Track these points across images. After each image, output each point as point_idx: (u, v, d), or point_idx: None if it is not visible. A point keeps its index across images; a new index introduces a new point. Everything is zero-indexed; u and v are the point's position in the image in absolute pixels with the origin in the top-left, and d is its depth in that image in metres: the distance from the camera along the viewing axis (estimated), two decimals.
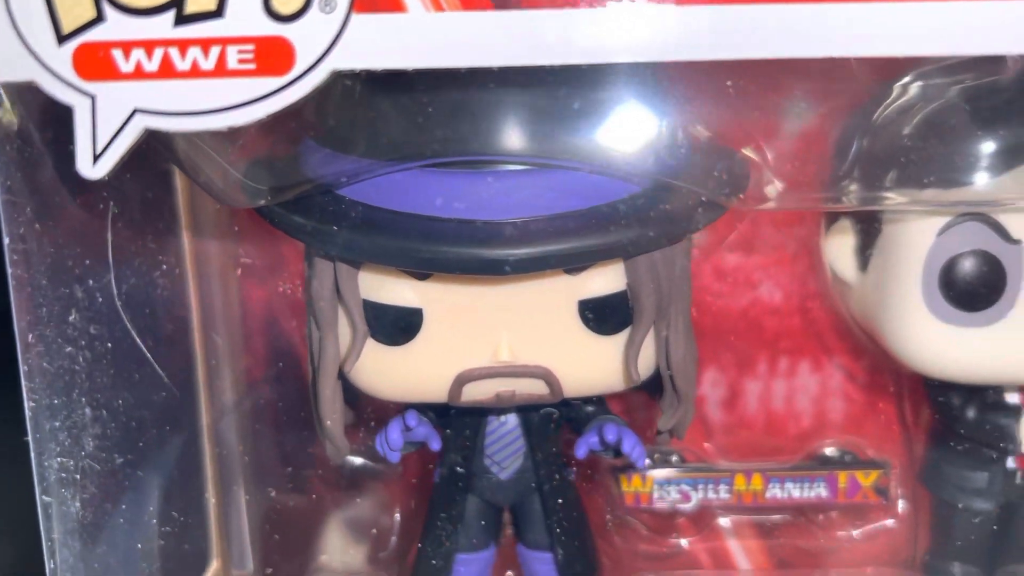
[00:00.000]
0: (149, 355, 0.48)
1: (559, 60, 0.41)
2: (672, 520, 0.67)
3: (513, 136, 0.47)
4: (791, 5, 0.41)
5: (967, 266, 0.52)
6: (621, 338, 0.53)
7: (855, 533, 0.66)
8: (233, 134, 0.50)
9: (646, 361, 0.54)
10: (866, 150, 0.53)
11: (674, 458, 0.66)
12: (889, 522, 0.66)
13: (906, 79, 0.54)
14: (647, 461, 0.66)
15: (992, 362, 0.54)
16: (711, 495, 0.64)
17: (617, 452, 0.56)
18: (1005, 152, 0.50)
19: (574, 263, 0.49)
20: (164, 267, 0.54)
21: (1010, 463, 0.59)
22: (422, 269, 0.49)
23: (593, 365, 0.53)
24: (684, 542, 0.67)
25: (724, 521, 0.70)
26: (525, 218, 0.47)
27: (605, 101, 0.48)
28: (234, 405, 0.66)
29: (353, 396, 0.57)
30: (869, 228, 0.57)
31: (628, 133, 0.49)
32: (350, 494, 0.69)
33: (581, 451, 0.56)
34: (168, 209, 0.59)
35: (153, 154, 0.45)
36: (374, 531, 0.67)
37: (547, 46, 0.40)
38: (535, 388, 0.53)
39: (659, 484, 0.64)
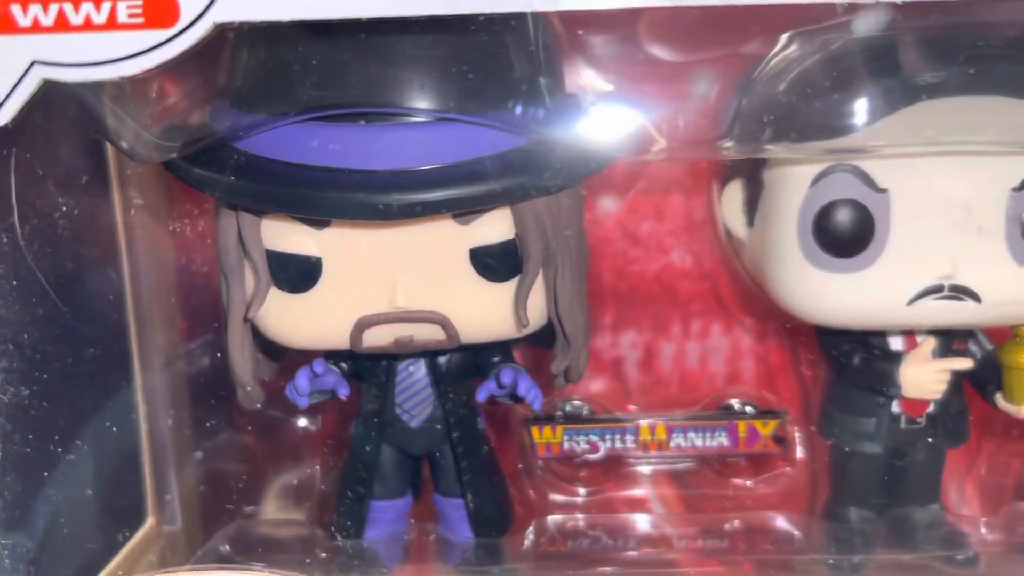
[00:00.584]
0: (52, 292, 0.51)
1: (441, 10, 0.44)
2: (584, 469, 0.70)
3: (396, 88, 0.50)
4: None
5: (837, 214, 0.55)
6: (513, 285, 0.56)
7: (755, 481, 0.69)
8: (152, 98, 0.54)
9: (538, 308, 0.57)
10: (746, 105, 0.56)
11: (585, 410, 0.69)
12: (789, 470, 0.69)
13: (787, 36, 0.57)
14: (559, 413, 0.69)
15: (865, 305, 0.57)
16: (618, 444, 0.67)
17: (515, 396, 0.59)
18: (880, 100, 0.53)
19: (452, 209, 0.52)
20: (85, 206, 0.57)
21: (895, 408, 0.62)
22: (305, 214, 0.52)
23: (487, 311, 0.56)
24: (593, 490, 0.70)
25: (643, 470, 0.73)
26: (408, 167, 0.50)
27: (485, 53, 0.51)
28: (165, 364, 0.68)
29: (277, 350, 0.60)
30: (754, 184, 0.60)
31: (508, 86, 0.52)
32: (280, 450, 0.72)
33: (481, 395, 0.59)
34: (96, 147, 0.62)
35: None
36: (294, 482, 0.70)
37: None
38: (432, 333, 0.56)
39: (569, 434, 0.67)
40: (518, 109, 0.52)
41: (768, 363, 0.73)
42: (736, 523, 0.69)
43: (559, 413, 0.69)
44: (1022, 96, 0.53)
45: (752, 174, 0.61)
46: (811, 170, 0.56)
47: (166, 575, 0.53)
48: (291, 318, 0.56)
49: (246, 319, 0.56)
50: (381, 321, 0.55)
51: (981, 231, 0.55)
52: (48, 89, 0.45)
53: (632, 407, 0.74)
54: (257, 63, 0.52)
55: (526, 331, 0.56)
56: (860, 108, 0.53)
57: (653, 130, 0.56)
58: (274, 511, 0.72)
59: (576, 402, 0.70)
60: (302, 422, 0.70)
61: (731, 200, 0.63)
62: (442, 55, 0.50)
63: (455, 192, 0.50)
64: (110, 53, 0.44)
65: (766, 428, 0.66)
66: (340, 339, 0.56)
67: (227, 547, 0.64)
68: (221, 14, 0.44)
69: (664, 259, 0.74)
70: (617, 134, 0.55)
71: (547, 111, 0.53)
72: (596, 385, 0.75)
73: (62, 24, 0.44)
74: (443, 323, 0.55)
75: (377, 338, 0.56)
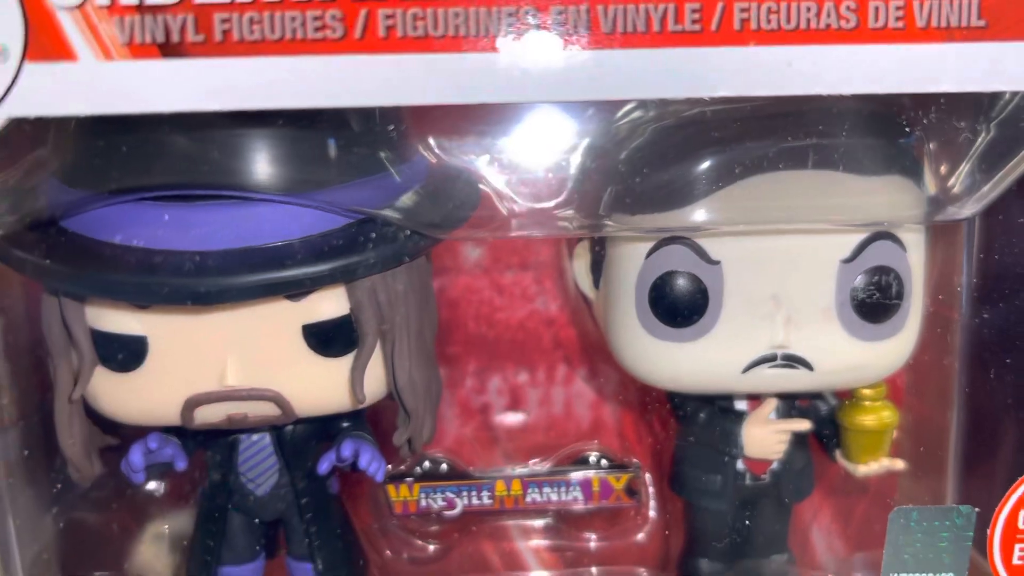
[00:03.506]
0: None
1: (217, 105, 0.43)
2: (446, 526, 0.70)
3: (218, 170, 0.49)
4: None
5: (671, 285, 0.56)
6: (349, 359, 0.55)
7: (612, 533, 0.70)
8: None
9: (377, 381, 0.56)
10: (586, 179, 0.56)
11: (444, 466, 0.69)
12: (645, 523, 0.70)
13: (627, 109, 0.57)
14: (416, 470, 0.69)
15: (701, 373, 0.57)
16: (475, 501, 0.67)
17: (356, 467, 0.58)
18: (713, 174, 0.54)
19: (271, 294, 0.51)
20: None
21: (739, 465, 0.63)
22: (117, 299, 0.51)
23: (322, 386, 0.55)
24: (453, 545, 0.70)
25: (512, 523, 0.74)
26: (227, 248, 0.49)
27: (311, 132, 0.50)
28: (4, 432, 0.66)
29: (112, 422, 0.59)
30: (599, 249, 0.61)
31: (337, 164, 0.51)
32: (133, 511, 0.70)
33: (323, 467, 0.58)
34: None
35: None
36: (141, 545, 0.68)
37: (209, 92, 0.42)
38: (266, 410, 0.55)
39: (425, 492, 0.67)
40: (347, 188, 0.51)
41: (630, 410, 0.74)
42: None
43: (416, 470, 0.68)
44: (851, 171, 0.54)
45: (597, 240, 0.61)
46: (648, 242, 0.56)
47: None
48: (120, 396, 0.54)
49: (71, 399, 0.54)
50: (211, 400, 0.54)
51: (813, 301, 0.56)
52: None
53: (496, 450, 0.75)
54: (82, 139, 0.50)
55: (363, 405, 0.56)
56: (694, 182, 0.54)
57: (498, 204, 0.56)
58: (148, 563, 0.70)
59: (437, 457, 0.70)
60: (151, 484, 0.69)
61: (580, 262, 0.63)
62: (266, 135, 0.49)
63: (272, 276, 0.49)
64: None
65: (619, 482, 0.67)
66: (170, 417, 0.54)
67: None
68: (15, 108, 0.42)
69: (529, 307, 0.74)
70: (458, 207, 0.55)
71: (382, 188, 0.52)
72: (465, 431, 0.75)
73: None
74: (276, 400, 0.54)
75: (209, 415, 0.54)
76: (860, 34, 0.44)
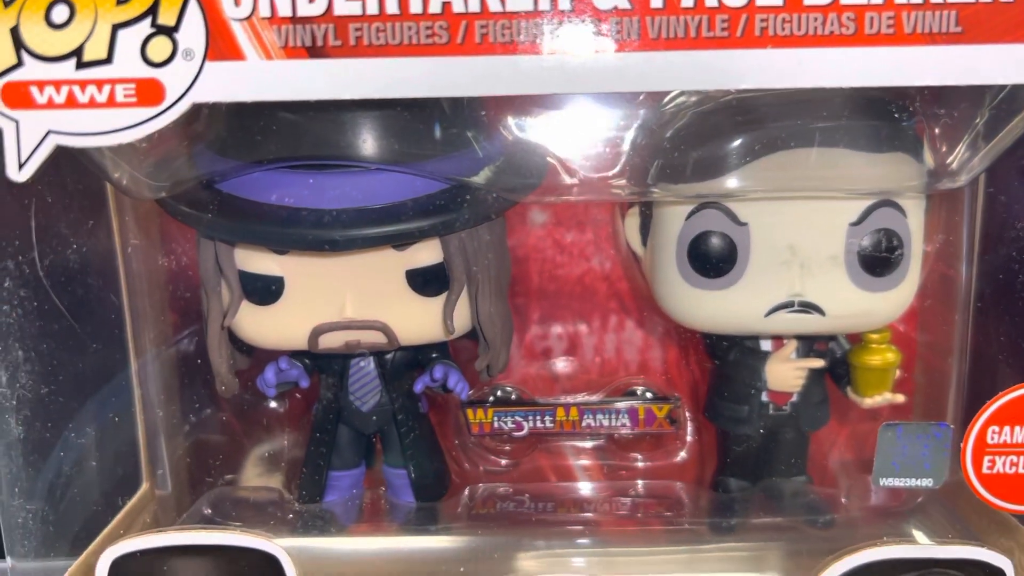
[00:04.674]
0: (65, 312, 0.63)
1: (351, 94, 0.55)
2: (513, 444, 0.83)
3: (346, 144, 0.62)
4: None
5: (706, 242, 0.68)
6: (442, 299, 0.68)
7: (656, 456, 0.82)
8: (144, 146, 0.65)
9: (463, 317, 0.69)
10: (636, 154, 0.68)
11: (513, 395, 0.82)
12: (683, 446, 0.82)
13: (671, 96, 0.68)
14: (490, 397, 0.82)
15: (730, 316, 0.69)
16: (539, 424, 0.80)
17: (445, 387, 0.71)
18: (743, 149, 0.65)
19: (387, 243, 0.64)
20: (91, 245, 0.69)
21: (764, 397, 0.75)
22: (269, 246, 0.64)
23: (420, 320, 0.68)
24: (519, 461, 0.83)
25: (567, 444, 0.86)
26: (352, 207, 0.62)
27: (419, 115, 0.63)
28: (156, 355, 0.80)
29: (248, 347, 0.72)
30: (647, 213, 0.72)
31: (437, 141, 0.64)
32: (254, 426, 0.84)
33: (418, 387, 0.72)
34: (100, 199, 0.74)
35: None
36: (266, 453, 0.82)
37: (345, 84, 0.55)
38: (376, 338, 0.68)
39: (498, 415, 0.80)
40: (444, 160, 0.63)
41: (673, 353, 0.86)
42: (639, 490, 0.82)
43: (490, 397, 0.81)
44: (859, 149, 0.65)
45: (646, 204, 0.72)
46: (687, 207, 0.68)
47: (158, 534, 0.65)
48: (259, 325, 0.68)
49: (222, 327, 0.68)
50: (333, 328, 0.67)
51: (825, 257, 0.67)
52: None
53: (555, 387, 0.87)
54: (236, 117, 0.63)
55: (453, 336, 0.69)
56: (725, 157, 0.65)
57: (563, 173, 0.68)
58: (251, 479, 0.84)
59: (507, 388, 0.83)
60: (272, 404, 0.82)
61: (631, 223, 0.75)
62: (383, 118, 0.62)
63: (389, 228, 0.62)
64: (110, 125, 0.56)
65: (661, 411, 0.79)
66: (299, 342, 0.68)
67: (209, 510, 0.77)
68: (199, 96, 0.55)
69: (586, 265, 0.86)
70: (526, 178, 0.67)
71: (471, 160, 0.65)
72: (530, 370, 0.87)
73: (72, 102, 0.55)
74: (384, 330, 0.67)
75: (330, 341, 0.68)
76: (858, 38, 0.55)
